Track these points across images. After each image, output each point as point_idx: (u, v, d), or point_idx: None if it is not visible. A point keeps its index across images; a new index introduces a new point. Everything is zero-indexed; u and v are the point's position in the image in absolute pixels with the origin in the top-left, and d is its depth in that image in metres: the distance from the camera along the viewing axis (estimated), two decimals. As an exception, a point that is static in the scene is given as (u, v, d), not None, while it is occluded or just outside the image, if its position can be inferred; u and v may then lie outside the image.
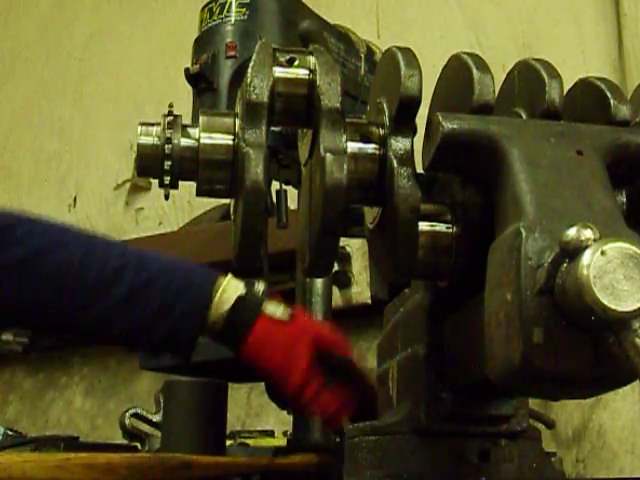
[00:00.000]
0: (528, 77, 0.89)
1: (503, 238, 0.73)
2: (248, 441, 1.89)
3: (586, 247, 0.65)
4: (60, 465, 1.10)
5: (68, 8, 3.23)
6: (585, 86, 0.91)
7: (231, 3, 1.41)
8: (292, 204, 1.56)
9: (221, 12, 1.41)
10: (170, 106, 0.94)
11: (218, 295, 1.25)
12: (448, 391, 0.91)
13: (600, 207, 0.75)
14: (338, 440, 1.27)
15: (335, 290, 1.90)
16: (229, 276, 1.28)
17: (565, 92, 0.88)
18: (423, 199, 0.87)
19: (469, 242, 0.87)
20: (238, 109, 0.93)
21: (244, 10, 1.41)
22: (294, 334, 1.26)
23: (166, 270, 1.27)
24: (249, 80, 0.89)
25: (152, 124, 0.93)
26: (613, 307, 0.63)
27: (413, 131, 0.90)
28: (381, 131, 0.90)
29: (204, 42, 1.40)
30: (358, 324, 2.29)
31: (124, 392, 2.74)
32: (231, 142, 0.90)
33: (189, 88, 1.40)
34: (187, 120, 0.95)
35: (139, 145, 0.92)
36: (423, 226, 0.88)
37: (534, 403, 1.86)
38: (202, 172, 0.91)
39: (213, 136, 0.91)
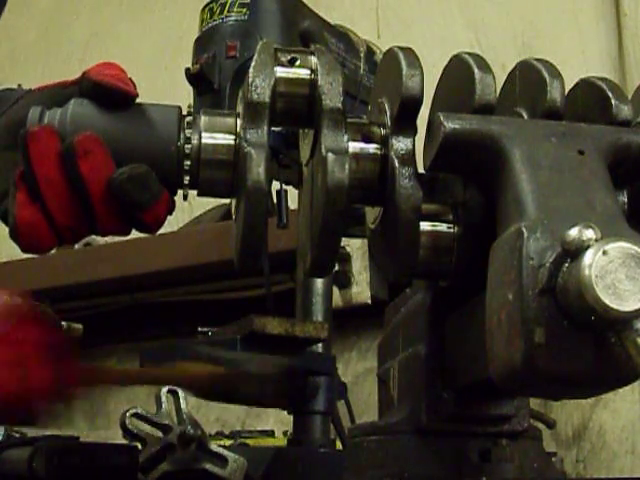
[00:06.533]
0: (529, 77, 0.89)
1: (504, 238, 0.73)
2: (248, 441, 1.89)
3: (588, 247, 0.65)
4: None
5: (68, 8, 3.24)
6: (586, 86, 0.91)
7: (231, 3, 1.41)
8: (292, 204, 1.56)
9: (221, 12, 1.41)
10: (189, 107, 0.94)
11: None
12: (449, 391, 0.91)
13: (602, 207, 0.75)
14: None
15: (335, 290, 1.90)
16: None
17: (566, 92, 0.88)
18: (424, 199, 0.87)
19: (470, 242, 0.87)
20: (239, 109, 0.93)
21: (244, 10, 1.40)
22: None
23: None
24: (250, 80, 0.89)
25: None
26: (615, 307, 0.63)
27: (414, 131, 0.90)
28: (382, 131, 0.90)
29: (204, 42, 1.40)
30: (358, 324, 2.29)
31: (124, 392, 2.73)
32: (232, 142, 0.90)
33: (189, 88, 1.40)
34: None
35: None
36: (424, 226, 0.88)
37: (534, 403, 1.86)
38: (203, 172, 0.91)
39: (215, 136, 0.91)
